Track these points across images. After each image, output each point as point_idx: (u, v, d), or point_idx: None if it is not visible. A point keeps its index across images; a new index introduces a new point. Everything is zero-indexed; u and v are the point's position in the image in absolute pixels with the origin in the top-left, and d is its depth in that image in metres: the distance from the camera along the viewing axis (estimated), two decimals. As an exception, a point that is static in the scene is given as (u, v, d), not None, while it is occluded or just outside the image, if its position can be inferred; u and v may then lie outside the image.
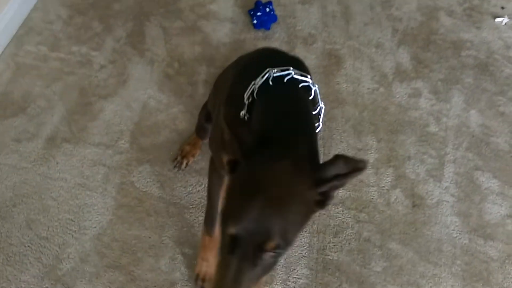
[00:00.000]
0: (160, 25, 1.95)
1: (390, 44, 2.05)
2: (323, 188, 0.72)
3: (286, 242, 0.69)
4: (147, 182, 1.50)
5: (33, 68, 1.72)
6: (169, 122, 1.65)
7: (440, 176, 1.65)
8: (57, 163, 1.50)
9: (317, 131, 0.96)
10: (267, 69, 0.95)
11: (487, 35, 2.15)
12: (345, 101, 1.81)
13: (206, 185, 1.29)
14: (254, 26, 1.99)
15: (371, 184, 1.59)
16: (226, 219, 0.70)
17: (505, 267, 1.47)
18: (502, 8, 2.30)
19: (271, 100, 0.92)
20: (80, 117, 1.61)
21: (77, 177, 1.47)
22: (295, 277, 1.37)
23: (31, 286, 1.27)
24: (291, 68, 0.96)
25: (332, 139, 1.69)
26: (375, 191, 1.58)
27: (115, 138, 1.58)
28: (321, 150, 1.65)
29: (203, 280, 1.29)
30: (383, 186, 1.59)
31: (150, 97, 1.71)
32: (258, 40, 1.96)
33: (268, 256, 0.69)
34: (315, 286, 1.36)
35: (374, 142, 1.70)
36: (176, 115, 1.67)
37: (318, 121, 1.00)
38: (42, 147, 1.52)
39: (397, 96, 1.86)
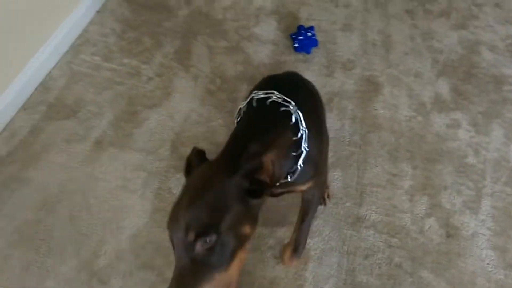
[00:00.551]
0: (206, 44, 2.05)
1: (430, 74, 2.06)
2: (240, 172, 0.76)
3: (207, 228, 0.72)
4: (184, 189, 1.55)
5: (87, 76, 1.83)
6: (208, 134, 1.71)
7: (476, 209, 1.62)
8: (101, 165, 1.57)
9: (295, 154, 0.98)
10: (253, 93, 1.03)
11: (530, 72, 2.13)
12: (381, 127, 1.82)
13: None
14: (295, 49, 2.06)
15: (404, 210, 1.58)
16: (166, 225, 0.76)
17: (543, 307, 1.41)
18: (547, 46, 2.28)
19: (244, 118, 1.02)
20: (126, 124, 1.70)
21: (119, 180, 1.54)
22: (323, 296, 1.36)
23: (69, 278, 1.32)
24: (276, 93, 1.01)
25: (367, 162, 1.70)
26: (408, 217, 1.57)
27: (157, 146, 1.65)
28: (355, 172, 1.66)
29: None
30: (417, 214, 1.58)
31: (192, 110, 1.78)
32: (298, 63, 2.02)
33: (200, 248, 0.73)
34: (342, 307, 1.35)
35: (409, 169, 1.70)
36: (215, 129, 1.73)
37: (300, 147, 1.01)
38: (89, 149, 1.61)
39: (435, 126, 1.86)
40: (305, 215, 1.25)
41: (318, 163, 1.09)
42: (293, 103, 1.02)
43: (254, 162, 0.77)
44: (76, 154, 1.59)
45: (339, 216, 1.54)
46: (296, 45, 2.05)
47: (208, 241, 0.73)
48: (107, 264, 1.36)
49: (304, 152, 0.99)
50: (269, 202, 1.51)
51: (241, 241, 0.79)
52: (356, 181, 1.64)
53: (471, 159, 1.76)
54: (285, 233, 1.47)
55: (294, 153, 0.97)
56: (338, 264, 1.43)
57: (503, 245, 1.53)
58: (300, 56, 2.06)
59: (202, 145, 1.66)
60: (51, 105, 1.72)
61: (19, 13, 1.61)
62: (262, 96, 1.04)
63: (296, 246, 1.28)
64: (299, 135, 0.99)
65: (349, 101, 1.90)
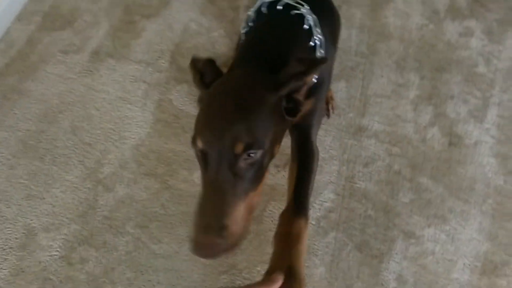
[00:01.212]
0: None
1: (446, -21, 1.92)
2: (284, 90, 0.72)
3: (256, 142, 0.69)
4: (184, 100, 1.53)
5: (80, -16, 1.74)
6: (208, 45, 1.66)
7: (482, 117, 1.59)
8: (100, 76, 1.55)
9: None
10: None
11: (556, -25, 1.96)
12: (391, 36, 1.74)
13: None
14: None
15: (408, 120, 1.56)
16: (194, 137, 0.71)
17: (540, 211, 1.43)
18: None
19: (254, 26, 0.95)
20: (123, 34, 1.65)
21: (119, 91, 1.53)
22: (321, 200, 1.39)
23: (74, 185, 1.37)
24: None
25: (373, 73, 1.64)
26: (411, 127, 1.55)
27: (156, 57, 1.61)
28: (359, 83, 1.61)
29: None
30: (420, 123, 1.56)
31: (191, 20, 1.71)
32: (304, -32, 1.88)
33: (243, 162, 0.69)
34: (340, 210, 1.38)
35: (416, 79, 1.64)
36: (216, 39, 1.67)
37: (316, 52, 0.96)
38: (87, 60, 1.58)
39: (447, 34, 1.76)
40: (309, 170, 0.95)
41: (328, 76, 1.03)
42: (306, 6, 0.95)
43: (298, 82, 0.73)
44: (74, 65, 1.56)
45: (341, 126, 1.53)
46: None
47: (253, 155, 0.70)
48: (111, 173, 1.39)
49: (322, 43, 0.95)
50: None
51: (270, 160, 0.77)
52: (360, 92, 1.60)
53: (481, 68, 1.69)
54: (285, 143, 1.48)
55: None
56: (338, 172, 1.45)
57: (506, 152, 1.52)
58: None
59: (203, 56, 1.62)
60: (46, 14, 1.66)
61: None
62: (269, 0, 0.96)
63: (304, 208, 0.91)
64: (315, 42, 0.93)
65: (358, 9, 1.80)
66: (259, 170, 0.72)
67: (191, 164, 1.42)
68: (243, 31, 1.05)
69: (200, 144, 0.69)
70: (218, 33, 1.68)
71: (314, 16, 0.96)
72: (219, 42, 1.67)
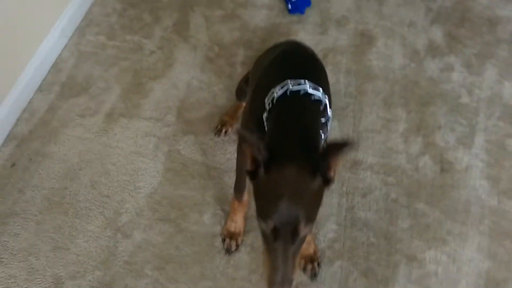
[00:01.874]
0: (202, 14, 2.14)
1: (423, 23, 2.11)
2: (321, 172, 0.90)
3: (311, 221, 0.91)
4: (191, 150, 1.67)
5: (93, 55, 1.96)
6: (210, 99, 1.82)
7: (470, 144, 1.70)
8: (115, 134, 1.71)
9: (323, 136, 1.12)
10: (286, 81, 1.12)
11: (524, 10, 2.15)
12: (376, 77, 1.90)
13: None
14: (289, 11, 2.12)
15: (399, 151, 1.67)
16: (265, 217, 0.89)
17: (535, 227, 1.50)
18: (541, -18, 2.27)
19: (284, 109, 1.10)
20: (133, 96, 1.83)
21: (132, 146, 1.68)
22: (325, 232, 1.48)
23: (96, 235, 1.48)
24: (307, 82, 1.11)
25: (362, 111, 1.78)
26: (404, 157, 1.66)
27: (164, 113, 1.78)
28: (350, 120, 1.75)
29: (231, 238, 1.45)
30: (412, 153, 1.67)
31: (193, 78, 1.89)
32: (292, 24, 2.10)
33: (301, 234, 0.90)
34: (343, 240, 1.47)
35: (403, 114, 1.78)
36: (216, 93, 1.84)
37: (327, 127, 1.14)
38: (102, 121, 1.75)
39: (429, 71, 1.92)
40: None
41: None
42: (321, 90, 1.13)
43: (326, 164, 0.91)
44: (91, 126, 1.73)
45: (337, 161, 1.64)
46: (289, 6, 2.12)
47: (309, 228, 0.91)
48: (128, 220, 1.51)
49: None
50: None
51: None
52: (352, 129, 1.73)
53: (464, 99, 1.83)
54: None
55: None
56: (338, 204, 1.55)
57: (497, 174, 1.62)
58: (294, 17, 2.13)
59: (205, 109, 1.79)
60: (64, 84, 1.86)
61: (27, 3, 1.73)
62: (296, 88, 1.11)
63: None
64: (325, 119, 1.13)
65: (343, 55, 1.97)
66: (304, 240, 0.95)
67: (200, 207, 1.54)
68: (267, 106, 1.15)
69: (271, 224, 0.88)
70: (218, 88, 1.86)
71: (326, 97, 1.13)
72: (219, 95, 1.83)
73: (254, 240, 1.47)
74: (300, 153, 0.95)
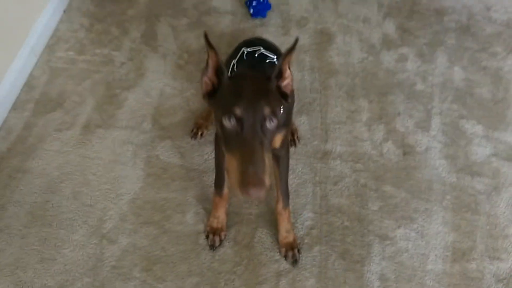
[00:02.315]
0: (169, 24, 2.21)
1: (377, 18, 2.25)
2: (275, 80, 1.04)
3: (275, 111, 0.97)
4: (169, 154, 1.74)
5: (65, 71, 1.99)
6: (183, 104, 1.90)
7: (427, 127, 1.83)
8: (93, 145, 1.76)
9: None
10: (242, 49, 1.33)
11: (468, 0, 2.32)
12: (338, 72, 2.01)
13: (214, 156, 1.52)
14: (252, 15, 2.22)
15: (364, 139, 1.79)
16: (228, 111, 0.94)
17: (492, 198, 1.64)
18: (482, -26, 2.46)
19: (241, 66, 1.32)
20: (108, 107, 1.88)
21: (111, 155, 1.73)
22: (302, 220, 1.58)
23: (82, 243, 1.52)
24: (262, 48, 1.30)
25: (328, 104, 1.90)
26: (369, 144, 1.78)
27: (139, 121, 1.83)
28: (318, 114, 1.86)
29: (214, 234, 1.52)
30: (376, 140, 1.79)
31: (165, 85, 1.96)
32: (256, 28, 2.19)
33: (268, 123, 0.95)
34: (320, 226, 1.56)
35: (366, 104, 1.90)
36: (189, 98, 1.92)
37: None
38: (79, 134, 1.79)
39: (385, 63, 2.06)
40: (282, 173, 1.44)
41: (289, 112, 1.36)
42: (275, 56, 1.31)
43: (276, 70, 1.03)
44: (68, 139, 1.77)
45: (308, 153, 1.75)
46: (251, 11, 2.22)
47: (273, 119, 0.96)
48: (113, 226, 1.56)
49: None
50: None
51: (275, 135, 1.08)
52: (320, 122, 1.84)
53: (419, 86, 1.97)
54: (263, 176, 1.68)
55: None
56: (313, 193, 1.64)
57: (454, 153, 1.76)
58: (257, 21, 2.22)
59: (179, 114, 1.86)
60: (38, 101, 1.89)
61: (-8, 23, 1.76)
62: (250, 50, 1.31)
63: (283, 199, 1.47)
64: None
65: (306, 54, 2.09)
66: (273, 135, 1.00)
67: (183, 208, 1.60)
68: (230, 68, 1.38)
69: (238, 112, 0.93)
70: (190, 93, 1.93)
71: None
72: (192, 100, 1.91)
73: (237, 234, 1.55)
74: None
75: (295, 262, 1.48)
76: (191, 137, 1.76)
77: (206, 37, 0.99)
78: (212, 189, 1.55)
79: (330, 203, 1.62)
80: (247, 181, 0.87)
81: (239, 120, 0.93)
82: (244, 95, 0.95)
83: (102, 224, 1.57)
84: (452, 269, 1.48)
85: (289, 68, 1.08)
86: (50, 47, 2.08)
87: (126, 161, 1.72)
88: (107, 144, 1.76)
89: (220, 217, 1.53)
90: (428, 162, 1.73)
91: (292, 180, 1.67)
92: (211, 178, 1.67)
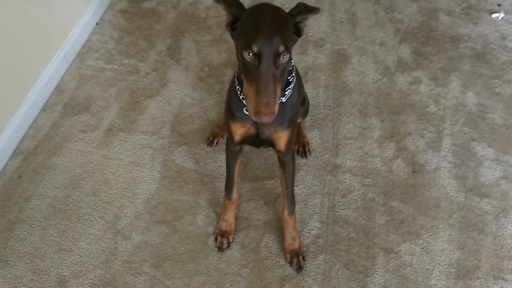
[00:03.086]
0: (193, 39, 2.33)
1: (393, 42, 2.33)
2: (296, 18, 1.09)
3: (288, 47, 1.04)
4: (185, 159, 1.82)
5: (93, 78, 2.13)
6: (201, 113, 1.99)
7: (438, 147, 1.87)
8: (114, 147, 1.86)
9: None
10: None
11: (484, 29, 2.38)
12: (352, 90, 2.08)
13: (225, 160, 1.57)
14: (272, 35, 2.32)
15: (375, 155, 1.84)
16: (248, 45, 1.01)
17: (499, 219, 1.65)
18: (499, 5, 2.53)
19: None
20: (131, 113, 1.98)
21: (130, 157, 1.82)
22: (309, 229, 1.62)
23: (97, 237, 1.60)
24: None
25: (340, 121, 1.96)
26: (379, 161, 1.82)
27: (159, 127, 1.93)
28: (330, 130, 1.92)
29: (222, 236, 1.58)
30: (386, 157, 1.83)
31: (186, 95, 2.06)
32: (275, 46, 2.29)
33: (282, 59, 1.03)
34: (326, 236, 1.60)
35: (378, 122, 1.96)
36: (207, 108, 2.01)
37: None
38: (102, 136, 1.89)
39: (399, 84, 2.12)
40: (288, 180, 1.48)
41: (295, 113, 1.35)
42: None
43: (303, 15, 1.10)
44: (92, 141, 1.88)
45: (319, 166, 1.80)
46: (272, 31, 2.32)
47: (286, 55, 1.04)
48: (128, 224, 1.63)
49: (294, 80, 1.27)
50: (257, 161, 1.78)
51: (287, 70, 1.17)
52: (332, 137, 1.90)
53: (431, 108, 2.01)
54: (273, 184, 1.74)
55: (288, 78, 1.25)
56: (321, 204, 1.69)
57: (463, 174, 1.78)
58: (277, 40, 2.32)
59: (197, 123, 1.95)
60: (66, 104, 2.01)
61: (31, 30, 1.91)
62: None
63: (289, 206, 1.50)
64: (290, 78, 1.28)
65: (322, 72, 2.17)
66: (285, 71, 1.10)
67: (194, 210, 1.67)
68: None
69: (255, 48, 1.01)
70: (209, 103, 2.03)
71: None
72: (210, 110, 2.00)
73: (245, 238, 1.60)
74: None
75: (299, 268, 1.52)
76: (207, 145, 1.84)
77: None
78: (223, 194, 1.61)
79: (337, 214, 1.66)
80: (260, 108, 1.01)
81: (256, 54, 1.01)
82: (261, 29, 1.01)
83: (118, 220, 1.64)
84: (456, 285, 1.49)
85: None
86: (81, 56, 2.22)
87: (144, 164, 1.81)
88: (128, 147, 1.86)
89: (229, 220, 1.58)
90: (437, 181, 1.76)
91: (301, 190, 1.72)
92: (223, 183, 1.74)
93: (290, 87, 1.25)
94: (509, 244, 1.59)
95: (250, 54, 1.02)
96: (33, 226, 1.62)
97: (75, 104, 2.02)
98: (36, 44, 1.97)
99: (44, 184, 1.74)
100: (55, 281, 1.49)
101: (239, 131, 1.33)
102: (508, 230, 1.62)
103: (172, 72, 2.16)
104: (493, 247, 1.58)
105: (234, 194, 1.56)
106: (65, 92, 2.07)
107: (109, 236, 1.60)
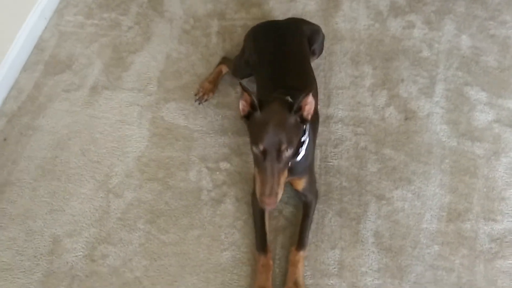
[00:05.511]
0: (176, -11, 2.22)
1: (385, -15, 2.22)
2: (296, 112, 1.22)
3: (292, 144, 1.20)
4: (174, 115, 1.78)
5: (73, 34, 2.04)
6: (189, 68, 1.93)
7: (431, 93, 1.83)
8: (100, 105, 1.81)
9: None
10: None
11: (480, -32, 2.27)
12: (343, 38, 2.01)
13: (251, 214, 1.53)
14: (258, -19, 2.21)
15: (367, 104, 1.81)
16: (257, 142, 1.18)
17: (491, 162, 1.65)
18: None
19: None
20: (115, 69, 1.92)
21: (117, 115, 1.78)
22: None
23: (89, 197, 1.59)
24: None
25: (332, 70, 1.91)
26: (371, 109, 1.79)
27: (145, 84, 1.87)
28: (321, 80, 1.87)
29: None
30: (378, 105, 1.80)
31: (171, 49, 1.99)
32: (263, -6, 2.19)
33: (284, 154, 1.18)
34: (319, 186, 1.60)
35: (370, 70, 1.91)
36: (194, 62, 1.94)
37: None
38: (87, 94, 1.84)
39: (392, 29, 2.04)
40: (306, 217, 1.48)
41: (310, 163, 1.47)
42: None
43: (298, 105, 1.21)
44: (76, 100, 1.82)
45: (310, 117, 1.77)
46: (258, -23, 2.20)
47: (289, 150, 1.19)
48: (119, 182, 1.62)
49: (307, 141, 1.34)
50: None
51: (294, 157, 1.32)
52: (323, 87, 1.85)
53: (425, 53, 1.96)
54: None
55: (302, 138, 1.33)
56: (313, 154, 1.67)
57: (456, 119, 1.76)
58: (263, -12, 2.21)
59: (185, 78, 1.89)
60: (47, 63, 1.94)
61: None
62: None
63: (300, 242, 1.44)
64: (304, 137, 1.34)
65: (312, 20, 2.06)
66: (290, 159, 1.23)
67: (186, 166, 1.65)
68: None
69: (261, 146, 1.17)
70: (196, 57, 1.96)
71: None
72: (197, 64, 1.94)
73: (238, 192, 1.60)
74: (281, 101, 1.26)
75: None
76: (196, 101, 1.79)
77: (241, 85, 1.21)
78: (215, 149, 1.58)
79: (329, 164, 1.65)
80: (263, 198, 1.18)
81: (262, 151, 1.18)
82: (268, 129, 1.17)
83: (109, 179, 1.63)
84: (447, 228, 1.51)
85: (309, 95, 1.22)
86: (60, 11, 2.12)
87: (132, 121, 1.77)
88: (114, 105, 1.81)
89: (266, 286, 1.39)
90: (429, 127, 1.74)
91: (293, 142, 1.70)
92: (214, 138, 1.73)
93: (303, 148, 1.34)
94: (500, 186, 1.60)
95: (258, 150, 1.18)
96: (23, 188, 1.61)
97: (56, 63, 1.94)
98: (11, 0, 1.86)
99: (31, 145, 1.70)
100: (49, 241, 1.50)
101: None
102: (499, 173, 1.63)
103: (155, 25, 2.07)
104: (484, 189, 1.59)
105: (269, 251, 1.42)
106: (45, 50, 1.98)
107: (101, 195, 1.59)
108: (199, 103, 1.80)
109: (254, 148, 1.19)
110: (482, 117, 1.77)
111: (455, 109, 1.79)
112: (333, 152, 1.68)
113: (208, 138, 1.72)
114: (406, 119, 1.77)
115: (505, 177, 1.62)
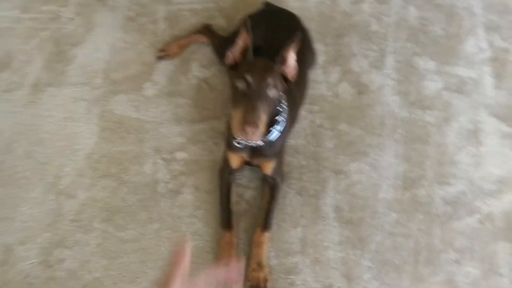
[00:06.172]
0: (116, -24, 2.11)
1: (331, -40, 2.20)
2: (279, 64, 1.27)
3: (276, 88, 1.23)
4: (124, 108, 1.72)
5: (10, 30, 1.91)
6: (136, 57, 1.85)
7: (381, 66, 1.85)
8: (43, 103, 1.72)
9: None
10: None
11: None
12: (292, 16, 1.99)
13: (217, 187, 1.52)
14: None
15: (320, 81, 1.80)
16: (243, 76, 1.19)
17: (442, 128, 1.69)
18: None
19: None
20: (57, 64, 1.82)
21: (63, 113, 1.70)
22: (259, 162, 1.60)
23: (39, 201, 1.51)
24: None
25: (283, 49, 1.88)
26: (324, 86, 1.79)
27: (91, 77, 1.79)
28: (273, 60, 1.84)
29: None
30: (331, 81, 1.80)
31: (116, 39, 1.90)
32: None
33: (271, 91, 1.20)
34: (277, 167, 1.59)
35: (322, 47, 1.89)
36: (142, 51, 1.87)
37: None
38: (29, 93, 1.74)
39: (342, 5, 2.04)
40: (273, 199, 1.47)
41: (281, 148, 1.47)
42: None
43: (280, 58, 1.27)
44: (18, 100, 1.72)
45: (264, 98, 1.74)
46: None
47: (274, 89, 1.22)
48: (70, 182, 1.55)
49: (283, 122, 1.37)
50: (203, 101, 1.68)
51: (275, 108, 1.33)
52: (275, 67, 1.83)
53: (374, 27, 1.97)
54: (220, 124, 1.68)
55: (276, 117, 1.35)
56: (269, 136, 1.66)
57: (406, 89, 1.79)
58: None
59: (132, 68, 1.82)
60: (-18, 62, 1.82)
61: None
62: None
63: (264, 223, 1.43)
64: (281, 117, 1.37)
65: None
66: (271, 106, 1.24)
67: (140, 159, 1.60)
68: None
69: (248, 77, 1.19)
70: (143, 45, 1.88)
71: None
72: (145, 52, 1.86)
73: (197, 181, 1.56)
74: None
75: None
76: (158, 57, 1.81)
77: (245, 23, 1.23)
78: (170, 139, 1.53)
79: (287, 144, 1.64)
80: (245, 122, 1.14)
81: (248, 83, 1.19)
82: (256, 66, 1.22)
83: (59, 180, 1.56)
84: (403, 196, 1.55)
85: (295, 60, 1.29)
86: (-8, 7, 1.98)
87: (80, 118, 1.69)
88: (59, 102, 1.72)
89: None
90: (381, 100, 1.76)
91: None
92: (168, 128, 1.68)
93: (277, 127, 1.35)
94: (451, 151, 1.64)
95: (243, 82, 1.18)
96: (-33, 197, 1.51)
97: (-7, 62, 1.82)
98: None
99: (-28, 152, 1.60)
100: (1, 250, 1.42)
101: (236, 159, 1.44)
102: (449, 138, 1.67)
103: (97, 15, 1.97)
104: (437, 155, 1.63)
105: (233, 228, 1.42)
106: (-21, 50, 1.86)
107: (51, 198, 1.52)
108: (159, 59, 1.81)
109: (238, 82, 1.20)
110: (432, 85, 1.80)
111: (405, 80, 1.81)
112: (290, 131, 1.67)
113: (161, 129, 1.67)
114: (359, 93, 1.78)
115: (456, 141, 1.66)
